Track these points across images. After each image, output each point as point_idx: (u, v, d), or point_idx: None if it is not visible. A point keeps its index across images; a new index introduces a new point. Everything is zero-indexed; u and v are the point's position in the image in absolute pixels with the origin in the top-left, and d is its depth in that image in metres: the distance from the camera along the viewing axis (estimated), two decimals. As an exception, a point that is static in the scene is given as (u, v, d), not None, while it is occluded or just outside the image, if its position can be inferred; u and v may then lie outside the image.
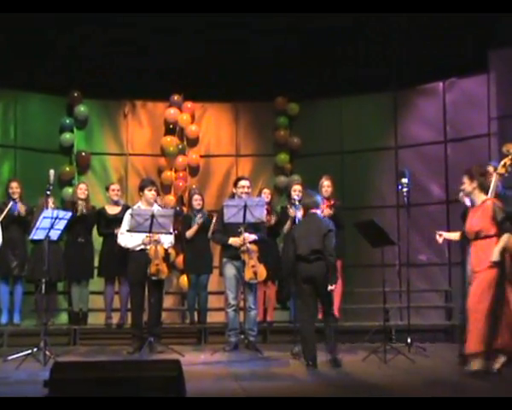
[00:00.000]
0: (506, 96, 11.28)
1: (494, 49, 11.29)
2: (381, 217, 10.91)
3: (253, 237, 9.11)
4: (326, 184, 10.29)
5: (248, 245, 9.00)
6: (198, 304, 10.91)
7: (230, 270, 9.29)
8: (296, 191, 9.91)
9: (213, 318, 11.20)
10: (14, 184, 10.44)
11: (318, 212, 8.24)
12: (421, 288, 11.76)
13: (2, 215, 9.19)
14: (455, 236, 8.03)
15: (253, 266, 8.98)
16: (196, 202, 10.84)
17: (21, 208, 10.24)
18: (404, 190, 9.47)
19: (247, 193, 9.36)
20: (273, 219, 10.46)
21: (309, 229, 7.98)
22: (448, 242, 11.55)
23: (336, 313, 10.10)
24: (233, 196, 9.70)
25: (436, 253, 11.91)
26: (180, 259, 11.58)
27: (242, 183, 9.47)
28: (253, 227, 9.13)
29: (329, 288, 7.76)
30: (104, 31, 11.94)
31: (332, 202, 10.23)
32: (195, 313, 10.94)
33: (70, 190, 12.12)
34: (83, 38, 11.98)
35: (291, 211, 9.83)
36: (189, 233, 10.67)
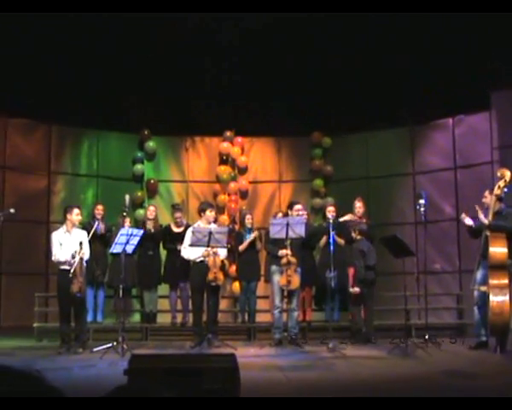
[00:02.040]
0: (506, 130, 11.18)
1: (495, 91, 11.24)
2: (402, 232, 10.82)
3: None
4: (358, 205, 10.26)
5: (290, 257, 9.01)
6: (248, 306, 10.87)
7: (277, 277, 9.20)
8: (330, 212, 9.89)
9: (261, 318, 11.16)
10: (100, 207, 10.58)
11: None
12: (436, 292, 11.62)
13: (90, 234, 9.32)
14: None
15: (288, 276, 8.98)
16: (248, 220, 10.84)
17: (102, 227, 10.38)
18: (422, 209, 9.41)
19: (301, 215, 9.37)
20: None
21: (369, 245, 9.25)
22: (459, 253, 11.53)
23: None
24: (286, 215, 9.66)
25: (449, 262, 11.83)
26: (232, 268, 11.60)
27: (297, 207, 9.51)
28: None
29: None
30: (168, 80, 12.10)
31: (364, 221, 10.22)
32: (246, 314, 10.94)
33: (141, 211, 12.26)
34: (151, 87, 12.14)
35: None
36: (242, 247, 10.69)
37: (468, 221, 8.59)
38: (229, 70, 12.30)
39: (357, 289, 9.42)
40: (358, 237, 9.73)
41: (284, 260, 8.98)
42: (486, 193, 8.57)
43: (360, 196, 10.57)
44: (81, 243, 8.53)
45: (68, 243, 8.65)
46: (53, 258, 8.79)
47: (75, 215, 8.82)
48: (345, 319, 10.39)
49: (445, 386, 5.83)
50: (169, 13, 9.91)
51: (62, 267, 8.61)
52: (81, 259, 8.49)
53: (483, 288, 8.19)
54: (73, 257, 8.48)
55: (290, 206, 9.68)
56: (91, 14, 10.10)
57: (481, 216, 8.29)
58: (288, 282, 8.98)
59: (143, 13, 9.68)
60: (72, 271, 8.39)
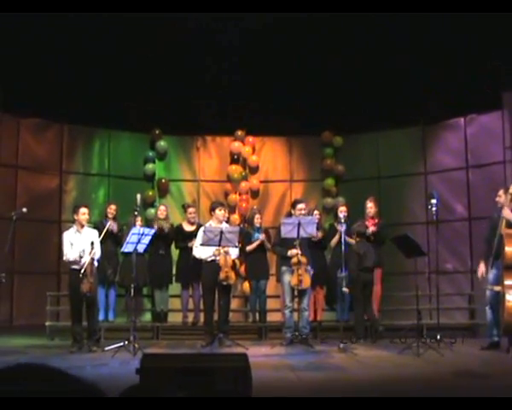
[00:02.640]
0: (518, 130, 11.17)
1: (507, 90, 11.19)
2: (413, 232, 10.76)
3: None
4: (369, 206, 10.26)
5: (300, 257, 9.01)
6: (258, 306, 10.91)
7: (288, 277, 9.21)
8: (342, 211, 9.88)
9: (271, 317, 11.17)
10: (113, 206, 10.63)
11: None
12: (447, 292, 11.57)
13: (102, 234, 9.36)
14: None
15: (299, 275, 8.98)
16: (257, 220, 10.84)
17: (114, 227, 10.41)
18: (433, 209, 9.38)
19: (304, 214, 9.36)
20: (319, 234, 10.38)
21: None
22: (471, 252, 11.48)
23: (376, 313, 10.11)
24: (290, 215, 9.69)
25: (460, 262, 11.78)
26: (243, 268, 11.60)
27: (299, 206, 9.46)
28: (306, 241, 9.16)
29: None
30: (179, 79, 12.12)
31: (376, 221, 10.22)
32: (257, 314, 10.94)
33: (153, 210, 12.27)
34: (163, 86, 12.16)
35: (338, 227, 9.86)
36: (249, 248, 10.69)
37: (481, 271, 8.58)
38: (241, 70, 12.29)
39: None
40: (357, 239, 9.88)
41: (295, 260, 8.98)
42: (501, 192, 8.50)
43: (372, 195, 10.58)
44: (92, 243, 8.56)
45: (79, 243, 8.69)
46: (64, 258, 8.84)
47: (81, 215, 8.84)
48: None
49: (456, 386, 5.81)
50: (181, 13, 9.93)
51: (73, 267, 8.64)
52: (92, 259, 8.52)
53: (497, 288, 8.15)
54: (81, 257, 8.52)
55: (293, 205, 9.63)
56: (103, 14, 10.13)
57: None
58: (300, 281, 8.98)
59: (156, 13, 9.69)
60: (82, 271, 8.43)
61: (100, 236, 9.15)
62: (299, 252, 8.95)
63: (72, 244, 8.72)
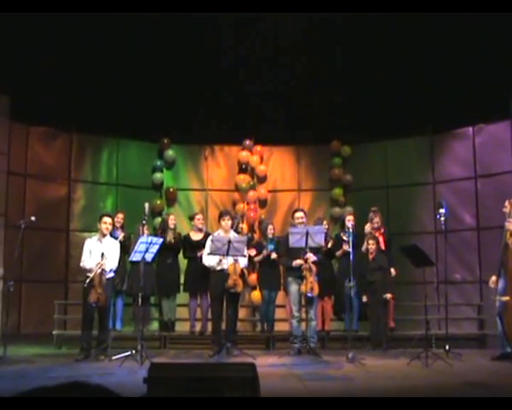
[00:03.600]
0: (526, 139, 11.14)
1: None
2: (421, 242, 10.75)
3: (314, 257, 9.07)
4: (375, 221, 10.27)
5: (310, 264, 8.98)
6: (267, 315, 10.86)
7: (295, 287, 9.19)
8: (350, 220, 9.87)
9: (279, 327, 11.13)
10: (120, 215, 10.64)
11: None
12: (456, 302, 11.52)
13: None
14: None
15: (310, 282, 8.96)
16: (270, 231, 10.82)
17: (121, 235, 10.41)
18: (442, 218, 9.35)
19: (302, 223, 9.32)
20: (330, 244, 10.39)
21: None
22: (479, 262, 11.42)
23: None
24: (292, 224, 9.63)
25: (469, 272, 11.72)
26: (252, 277, 11.56)
27: (297, 214, 9.44)
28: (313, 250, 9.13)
29: None
30: (187, 89, 12.14)
31: (382, 230, 10.25)
32: (265, 323, 10.89)
33: (159, 219, 12.19)
34: (171, 96, 12.18)
35: (344, 237, 9.88)
36: (257, 259, 10.68)
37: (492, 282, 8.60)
38: (249, 80, 12.30)
39: (365, 299, 9.98)
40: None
41: (306, 266, 8.96)
42: (506, 203, 8.50)
43: (376, 205, 10.59)
44: (103, 254, 8.56)
45: (97, 251, 8.69)
46: (81, 264, 8.83)
47: (103, 223, 8.87)
48: (364, 329, 10.36)
49: (465, 397, 5.75)
50: (190, 23, 9.97)
51: (88, 275, 8.63)
52: (102, 270, 8.52)
53: (505, 298, 8.10)
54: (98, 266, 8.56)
55: (292, 213, 9.63)
56: (113, 26, 10.20)
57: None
58: (311, 289, 8.97)
59: (165, 23, 9.74)
60: (87, 281, 8.44)
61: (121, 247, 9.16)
62: (310, 259, 8.94)
63: (90, 252, 8.74)
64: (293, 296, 9.29)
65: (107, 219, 8.93)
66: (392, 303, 10.31)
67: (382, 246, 10.20)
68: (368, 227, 10.26)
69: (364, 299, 9.94)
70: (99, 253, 8.66)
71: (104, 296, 8.59)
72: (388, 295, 9.77)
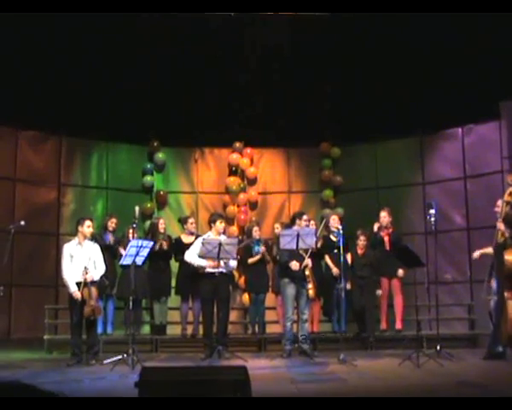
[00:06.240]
0: (515, 139, 11.18)
1: (504, 101, 11.24)
2: (412, 242, 10.82)
3: (310, 263, 9.12)
4: (383, 215, 10.33)
5: (309, 267, 9.05)
6: (257, 318, 10.85)
7: (290, 289, 9.08)
8: (335, 221, 9.98)
9: (270, 329, 11.12)
10: (114, 220, 10.61)
11: None
12: (447, 302, 11.55)
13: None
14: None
15: (311, 288, 9.05)
16: (256, 233, 10.83)
17: (111, 239, 10.38)
18: (432, 219, 9.35)
19: (307, 225, 9.32)
20: (318, 244, 10.36)
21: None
22: (470, 262, 11.45)
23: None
24: (290, 227, 9.40)
25: (459, 272, 11.77)
26: (242, 280, 11.55)
27: (306, 217, 9.40)
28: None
29: None
30: (177, 92, 12.12)
31: (390, 230, 10.28)
32: (256, 326, 10.87)
33: (148, 223, 12.10)
34: (161, 99, 12.16)
35: (332, 237, 9.96)
36: (251, 261, 10.68)
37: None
38: (239, 82, 12.29)
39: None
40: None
41: (308, 273, 9.04)
42: (499, 202, 8.51)
43: (387, 206, 10.72)
44: (85, 268, 8.51)
45: (79, 256, 8.65)
46: (63, 275, 8.70)
47: (86, 227, 8.80)
48: (352, 330, 10.40)
49: (457, 396, 5.75)
50: (179, 25, 9.97)
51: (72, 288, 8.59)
52: (89, 282, 8.49)
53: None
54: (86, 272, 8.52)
55: (299, 216, 9.38)
56: (102, 27, 10.16)
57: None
58: (314, 292, 9.08)
59: (154, 25, 9.72)
60: (79, 298, 8.42)
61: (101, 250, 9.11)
62: (310, 264, 9.05)
63: (72, 256, 8.66)
64: (288, 299, 9.17)
65: (90, 223, 8.89)
66: (402, 304, 10.35)
67: (387, 246, 10.28)
68: (376, 226, 10.35)
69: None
70: (81, 257, 8.63)
71: (99, 308, 8.63)
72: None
